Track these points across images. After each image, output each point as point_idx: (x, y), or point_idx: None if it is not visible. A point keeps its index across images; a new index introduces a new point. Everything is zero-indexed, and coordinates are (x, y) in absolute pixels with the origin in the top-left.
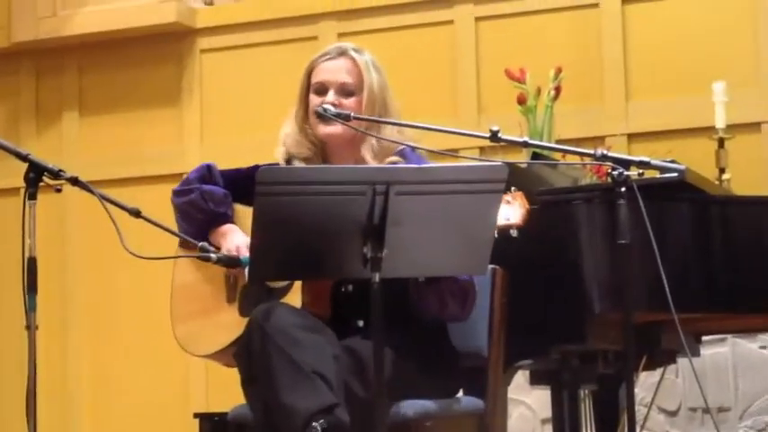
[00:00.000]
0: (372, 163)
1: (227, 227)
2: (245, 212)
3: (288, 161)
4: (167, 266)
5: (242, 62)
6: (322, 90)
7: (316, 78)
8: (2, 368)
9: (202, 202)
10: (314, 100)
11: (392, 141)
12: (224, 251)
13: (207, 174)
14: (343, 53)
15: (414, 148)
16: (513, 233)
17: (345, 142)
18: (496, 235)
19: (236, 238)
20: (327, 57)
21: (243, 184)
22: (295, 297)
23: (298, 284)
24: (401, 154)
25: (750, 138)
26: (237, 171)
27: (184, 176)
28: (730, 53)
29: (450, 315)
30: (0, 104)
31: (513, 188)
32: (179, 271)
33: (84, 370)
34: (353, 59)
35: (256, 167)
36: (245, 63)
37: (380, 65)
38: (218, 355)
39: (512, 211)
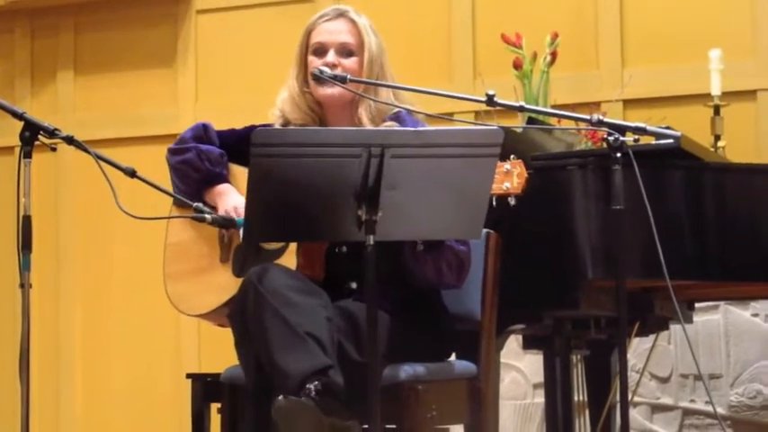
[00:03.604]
0: (369, 125)
1: (224, 186)
2: (241, 172)
3: (284, 126)
4: (161, 227)
5: (238, 24)
6: (321, 51)
7: (315, 39)
8: None
9: (198, 162)
10: (313, 62)
11: (389, 104)
12: (221, 212)
13: (203, 133)
14: (341, 14)
15: (410, 112)
16: (512, 201)
17: (343, 104)
18: (494, 203)
19: (233, 199)
20: (326, 18)
21: (238, 144)
22: (290, 259)
23: (292, 247)
24: (397, 117)
25: (745, 106)
26: (233, 131)
27: (180, 135)
28: (727, 21)
29: (445, 284)
30: None
31: (512, 156)
32: (173, 230)
33: (76, 329)
34: (353, 21)
35: (252, 128)
36: (242, 25)
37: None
38: (211, 316)
39: (511, 179)
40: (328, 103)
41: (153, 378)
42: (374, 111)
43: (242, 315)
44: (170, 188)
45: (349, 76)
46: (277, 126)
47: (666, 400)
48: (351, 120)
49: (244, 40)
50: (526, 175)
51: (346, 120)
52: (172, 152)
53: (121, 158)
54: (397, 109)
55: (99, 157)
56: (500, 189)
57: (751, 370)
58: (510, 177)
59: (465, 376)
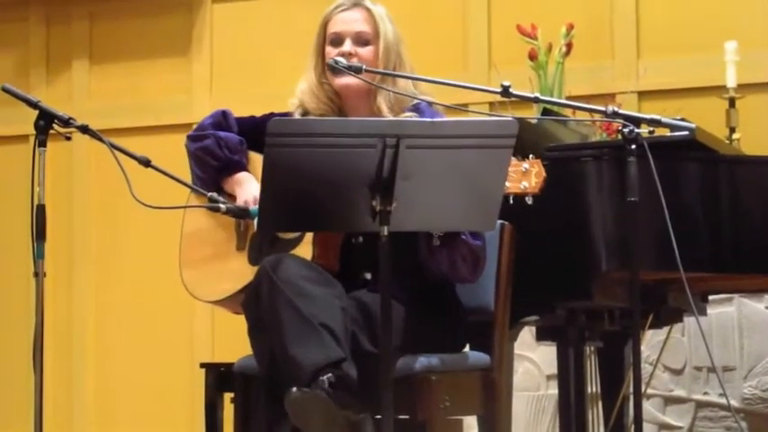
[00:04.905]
0: (388, 115)
1: (242, 175)
2: (259, 160)
3: (303, 115)
4: (174, 216)
5: (253, 12)
6: (338, 41)
7: (331, 30)
8: (9, 315)
9: (217, 149)
10: (330, 52)
11: (405, 95)
12: (239, 201)
13: (222, 120)
14: (357, 4)
15: (431, 104)
16: (529, 200)
17: (362, 93)
18: (512, 201)
19: (251, 188)
20: (342, 8)
21: (257, 131)
22: (306, 249)
23: (309, 236)
24: (417, 108)
25: (761, 98)
26: (252, 119)
27: (199, 122)
28: (742, 12)
29: (460, 278)
30: (10, 52)
31: (531, 155)
32: (190, 218)
33: (89, 318)
34: (368, 10)
35: (272, 116)
36: (257, 13)
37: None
38: (226, 302)
39: (529, 178)
40: (346, 93)
41: (166, 367)
42: (393, 100)
43: (256, 304)
44: (184, 177)
45: (365, 66)
46: (296, 115)
47: (680, 392)
48: (370, 109)
49: (259, 28)
50: (544, 174)
51: (365, 109)
52: (191, 139)
53: (136, 148)
54: (417, 100)
55: (113, 147)
56: (517, 188)
57: (764, 363)
58: (528, 177)
59: (478, 367)
